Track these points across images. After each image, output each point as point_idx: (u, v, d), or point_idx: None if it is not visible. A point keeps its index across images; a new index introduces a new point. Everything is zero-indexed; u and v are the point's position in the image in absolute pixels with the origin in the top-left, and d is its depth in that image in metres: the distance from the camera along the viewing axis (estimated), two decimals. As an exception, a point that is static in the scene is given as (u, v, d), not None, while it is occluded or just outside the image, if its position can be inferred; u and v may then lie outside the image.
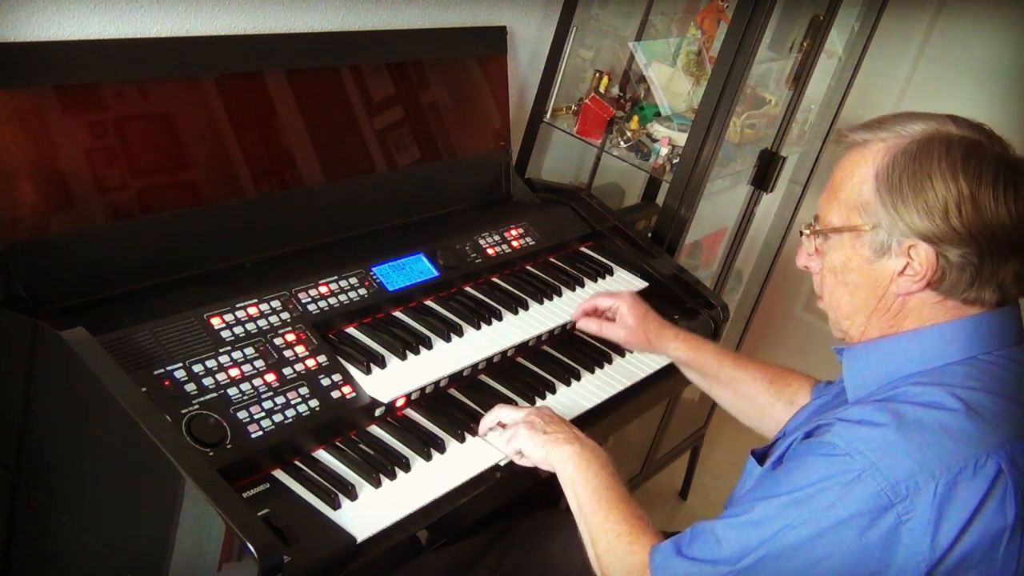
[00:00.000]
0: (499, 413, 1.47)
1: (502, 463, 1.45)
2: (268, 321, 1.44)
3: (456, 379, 1.61)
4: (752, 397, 1.62)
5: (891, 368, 1.19)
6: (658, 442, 2.60)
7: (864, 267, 1.20)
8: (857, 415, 1.13)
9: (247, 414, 1.30)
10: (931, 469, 1.06)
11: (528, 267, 1.92)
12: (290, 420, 1.34)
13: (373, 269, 1.64)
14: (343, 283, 1.58)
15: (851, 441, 1.09)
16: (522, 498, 1.43)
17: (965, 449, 1.07)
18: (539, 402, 1.63)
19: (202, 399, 1.28)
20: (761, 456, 1.32)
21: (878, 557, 1.07)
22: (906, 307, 1.19)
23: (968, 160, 1.12)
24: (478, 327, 1.67)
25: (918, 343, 1.18)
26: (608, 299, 1.74)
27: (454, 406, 1.56)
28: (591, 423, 1.64)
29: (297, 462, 1.34)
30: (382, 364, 1.50)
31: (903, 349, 1.19)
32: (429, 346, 1.58)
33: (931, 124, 1.17)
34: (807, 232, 1.28)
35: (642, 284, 2.00)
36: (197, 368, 1.31)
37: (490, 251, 1.85)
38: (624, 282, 1.99)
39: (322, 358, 1.44)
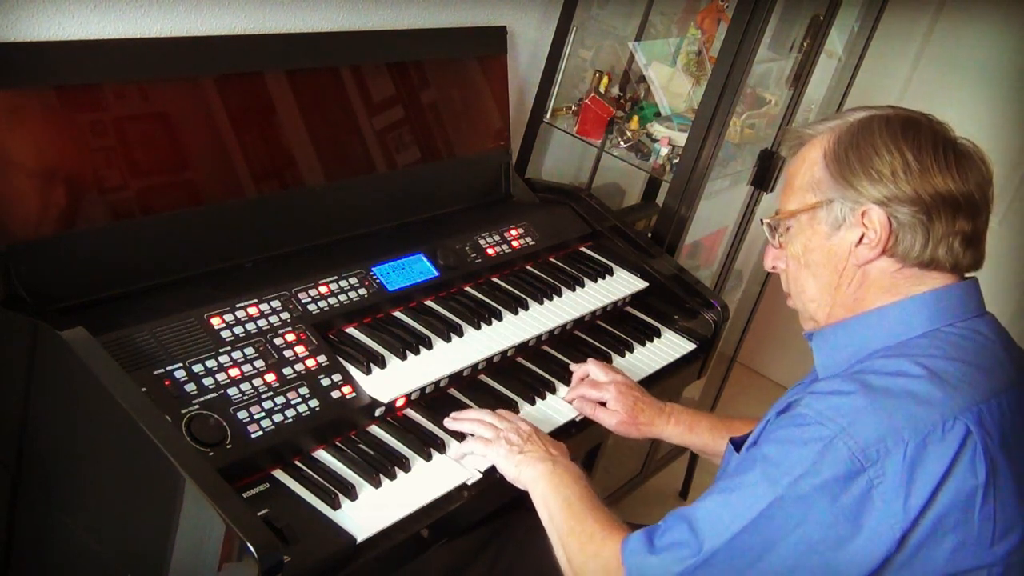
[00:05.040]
0: (473, 427, 1.47)
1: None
2: (268, 321, 1.44)
3: (456, 379, 1.61)
4: None
5: (858, 346, 1.22)
6: (658, 442, 2.60)
7: (823, 244, 1.24)
8: (826, 387, 1.16)
9: (247, 414, 1.30)
10: (900, 432, 1.08)
11: (528, 267, 1.92)
12: (290, 420, 1.34)
13: (373, 269, 1.64)
14: (343, 283, 1.58)
15: (821, 410, 1.12)
16: (520, 496, 1.43)
17: (932, 412, 1.09)
18: (539, 402, 1.63)
19: (202, 399, 1.28)
20: (739, 443, 1.34)
21: (850, 522, 1.08)
22: (868, 279, 1.23)
23: (907, 131, 1.19)
24: (478, 327, 1.68)
25: (881, 320, 1.22)
26: (595, 390, 1.63)
27: (454, 406, 1.56)
28: (591, 423, 1.64)
29: (297, 462, 1.34)
30: (382, 364, 1.50)
31: (868, 326, 1.22)
32: (429, 346, 1.58)
33: (873, 110, 1.24)
34: (767, 221, 1.31)
35: (642, 284, 2.01)
36: (197, 368, 1.31)
37: (490, 251, 1.85)
38: (624, 282, 1.99)
39: (322, 358, 1.44)
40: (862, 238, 1.20)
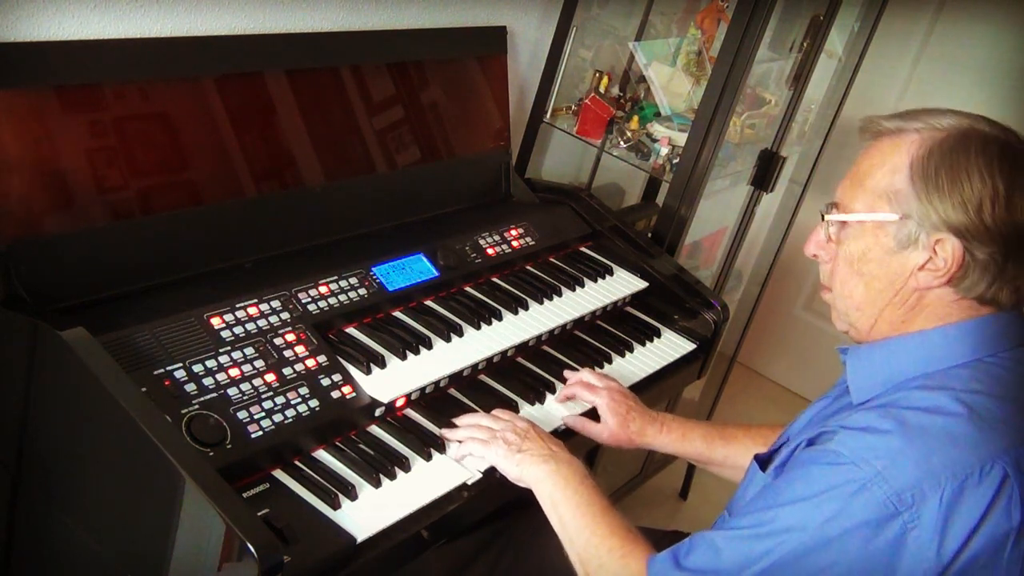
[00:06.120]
0: (470, 432, 1.45)
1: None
2: (268, 321, 1.44)
3: (456, 379, 1.61)
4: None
5: (895, 370, 1.18)
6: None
7: (884, 258, 1.17)
8: (861, 422, 1.11)
9: (247, 414, 1.30)
10: (937, 476, 1.05)
11: (528, 267, 1.92)
12: (290, 420, 1.34)
13: (373, 269, 1.64)
14: (343, 283, 1.58)
15: (856, 449, 1.08)
16: (520, 496, 1.44)
17: (970, 455, 1.06)
18: (538, 403, 1.63)
19: (202, 399, 1.28)
20: (764, 461, 1.31)
21: (883, 564, 1.06)
22: (921, 302, 1.17)
23: (1004, 160, 1.11)
24: (478, 327, 1.68)
25: (922, 345, 1.17)
26: (588, 392, 1.61)
27: (454, 406, 1.56)
28: (591, 423, 1.64)
29: (297, 462, 1.34)
30: (382, 364, 1.50)
31: (907, 351, 1.18)
32: (429, 346, 1.58)
33: (965, 120, 1.15)
34: (829, 217, 1.23)
35: (642, 284, 2.01)
36: (197, 368, 1.31)
37: (490, 251, 1.85)
38: (624, 282, 1.99)
39: (322, 358, 1.44)
40: (927, 262, 1.14)
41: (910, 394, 1.13)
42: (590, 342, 1.85)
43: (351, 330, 1.57)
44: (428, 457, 1.42)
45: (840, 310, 1.26)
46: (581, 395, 1.62)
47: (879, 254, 1.17)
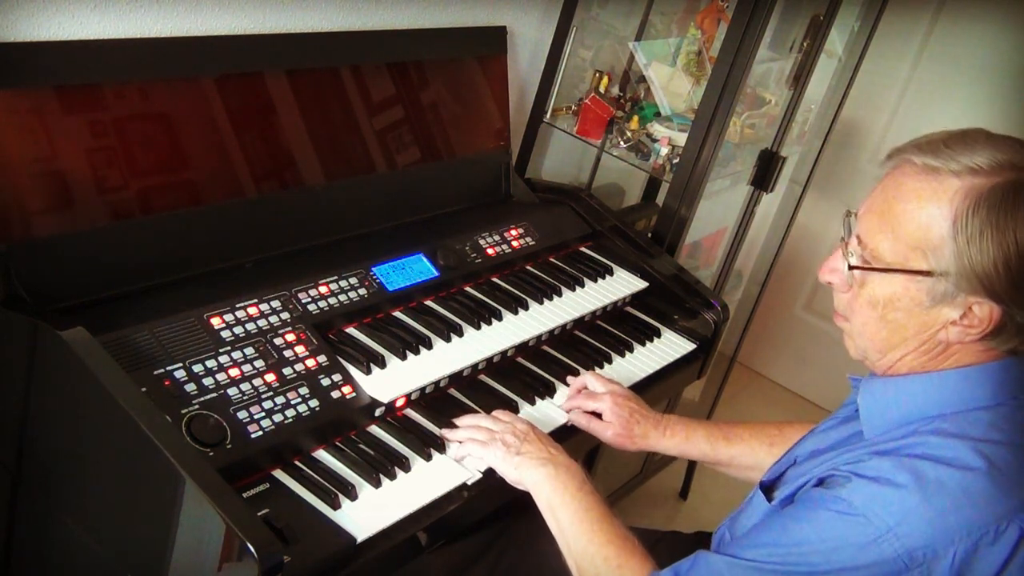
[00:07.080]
0: (469, 433, 1.45)
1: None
2: (268, 321, 1.44)
3: (456, 379, 1.61)
4: (758, 467, 1.51)
5: (911, 409, 1.14)
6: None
7: (914, 309, 1.11)
8: (874, 471, 1.08)
9: (247, 414, 1.30)
10: (951, 535, 1.03)
11: (528, 267, 1.92)
12: (290, 420, 1.34)
13: (373, 269, 1.64)
14: (343, 283, 1.58)
15: (869, 502, 1.05)
16: (520, 496, 1.44)
17: (987, 513, 1.04)
18: (539, 402, 1.63)
19: (202, 399, 1.28)
20: (768, 487, 1.29)
21: None
22: (948, 351, 1.13)
23: None
24: (478, 327, 1.68)
25: (941, 386, 1.13)
26: (591, 401, 1.60)
27: (454, 406, 1.56)
28: (591, 423, 1.63)
29: (297, 462, 1.34)
30: (382, 364, 1.50)
31: (925, 391, 1.14)
32: (429, 346, 1.58)
33: (1004, 156, 1.07)
34: (854, 261, 1.15)
35: (642, 284, 2.01)
36: (197, 368, 1.31)
37: (490, 251, 1.85)
38: (624, 282, 1.99)
39: (322, 358, 1.44)
40: (961, 317, 1.08)
41: (927, 439, 1.09)
42: (590, 342, 1.85)
43: (351, 330, 1.57)
44: (428, 457, 1.42)
45: (859, 346, 1.21)
46: (584, 405, 1.61)
47: (908, 305, 1.11)
